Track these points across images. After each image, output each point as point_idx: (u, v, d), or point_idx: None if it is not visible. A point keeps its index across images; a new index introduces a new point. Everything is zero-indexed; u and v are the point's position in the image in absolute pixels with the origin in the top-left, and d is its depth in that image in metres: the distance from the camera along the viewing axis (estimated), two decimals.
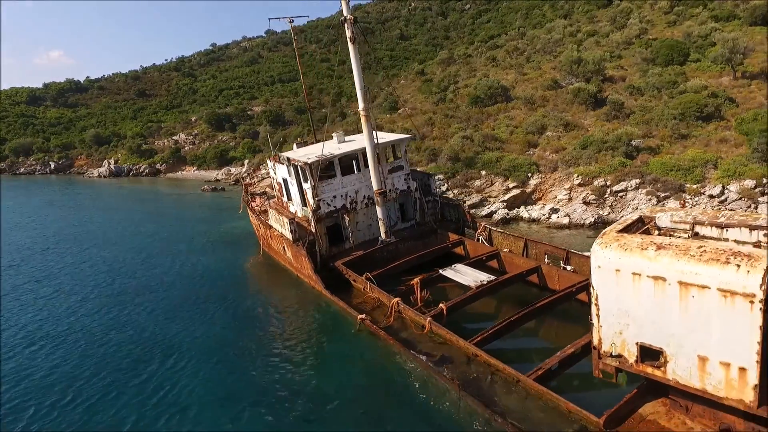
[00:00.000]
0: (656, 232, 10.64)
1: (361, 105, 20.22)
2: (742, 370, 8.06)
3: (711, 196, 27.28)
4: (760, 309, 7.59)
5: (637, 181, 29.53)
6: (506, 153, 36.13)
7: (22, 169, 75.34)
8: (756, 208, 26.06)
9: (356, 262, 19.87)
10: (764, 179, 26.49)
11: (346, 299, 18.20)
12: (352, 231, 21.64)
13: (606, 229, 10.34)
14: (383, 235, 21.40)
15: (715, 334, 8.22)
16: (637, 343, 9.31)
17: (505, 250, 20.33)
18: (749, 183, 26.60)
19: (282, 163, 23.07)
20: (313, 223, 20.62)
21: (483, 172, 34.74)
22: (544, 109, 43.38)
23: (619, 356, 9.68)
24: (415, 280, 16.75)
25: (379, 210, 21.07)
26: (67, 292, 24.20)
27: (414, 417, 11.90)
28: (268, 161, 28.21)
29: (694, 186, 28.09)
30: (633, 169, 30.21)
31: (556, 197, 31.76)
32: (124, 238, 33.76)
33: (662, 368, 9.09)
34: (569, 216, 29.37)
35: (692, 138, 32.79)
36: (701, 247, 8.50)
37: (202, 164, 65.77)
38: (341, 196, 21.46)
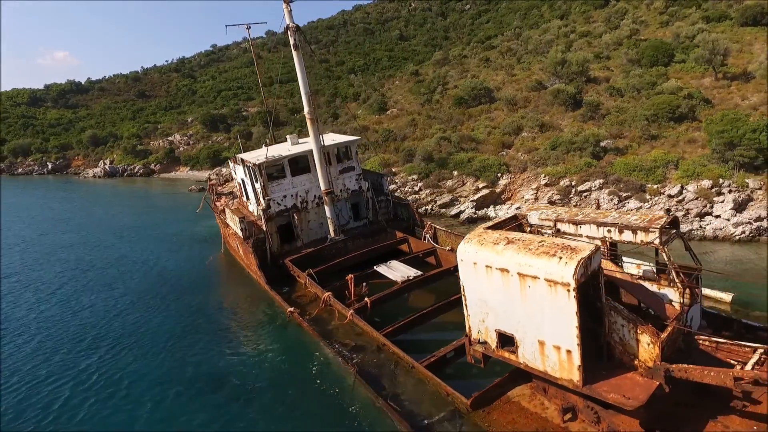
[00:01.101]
0: (528, 228, 11.57)
1: (306, 109, 21.28)
2: (569, 352, 9.00)
3: (670, 196, 28.00)
4: (575, 297, 8.51)
5: (601, 181, 30.29)
6: (480, 154, 37.02)
7: (20, 170, 77.62)
8: (712, 207, 26.66)
9: (304, 259, 20.90)
10: (720, 179, 27.11)
11: (290, 294, 19.25)
12: (302, 229, 22.69)
13: (478, 226, 11.30)
14: (332, 234, 22.41)
15: (547, 320, 9.17)
16: (495, 330, 10.26)
17: (447, 248, 21.23)
18: (706, 183, 27.25)
19: (239, 164, 24.20)
20: (263, 222, 21.68)
21: (455, 173, 35.65)
22: (524, 110, 44.21)
23: (485, 343, 10.63)
24: (350, 276, 17.73)
25: (327, 209, 22.09)
26: (36, 286, 25.59)
27: (315, 398, 13.18)
28: (230, 162, 29.37)
29: (655, 186, 28.76)
30: (597, 170, 30.99)
31: (523, 197, 32.56)
32: (99, 235, 35.35)
33: (515, 353, 10.02)
34: None
35: (662, 139, 33.47)
36: (542, 242, 9.46)
37: (195, 164, 67.27)
38: (292, 195, 22.50)
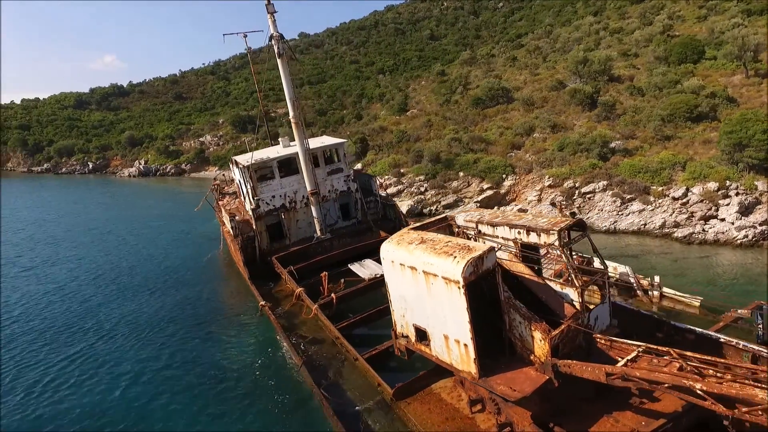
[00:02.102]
0: (456, 229, 12.23)
1: (291, 113, 22.42)
2: (466, 346, 9.66)
3: (674, 198, 27.62)
4: (464, 293, 9.19)
5: (605, 182, 30.14)
6: (488, 155, 37.28)
7: (63, 169, 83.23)
8: (717, 210, 26.12)
9: (291, 256, 22.05)
10: (727, 181, 26.49)
11: (273, 289, 20.46)
12: (291, 228, 23.87)
13: (407, 227, 12.08)
14: (318, 232, 23.47)
15: (448, 315, 9.87)
16: (413, 325, 10.99)
17: None
18: (712, 185, 26.71)
19: (236, 166, 25.67)
20: (252, 221, 23.00)
21: (461, 174, 36.10)
22: (540, 111, 44.01)
23: (406, 336, 11.37)
24: (324, 273, 18.72)
25: (313, 209, 23.18)
26: (54, 279, 28.09)
27: (263, 386, 15.00)
28: (230, 164, 30.95)
29: (660, 188, 28.38)
30: (602, 171, 30.79)
31: (527, 198, 32.70)
32: (119, 231, 38.24)
33: (429, 346, 10.73)
34: None
35: (676, 140, 32.84)
36: (448, 242, 10.16)
37: (224, 164, 70.09)
38: (280, 196, 23.73)
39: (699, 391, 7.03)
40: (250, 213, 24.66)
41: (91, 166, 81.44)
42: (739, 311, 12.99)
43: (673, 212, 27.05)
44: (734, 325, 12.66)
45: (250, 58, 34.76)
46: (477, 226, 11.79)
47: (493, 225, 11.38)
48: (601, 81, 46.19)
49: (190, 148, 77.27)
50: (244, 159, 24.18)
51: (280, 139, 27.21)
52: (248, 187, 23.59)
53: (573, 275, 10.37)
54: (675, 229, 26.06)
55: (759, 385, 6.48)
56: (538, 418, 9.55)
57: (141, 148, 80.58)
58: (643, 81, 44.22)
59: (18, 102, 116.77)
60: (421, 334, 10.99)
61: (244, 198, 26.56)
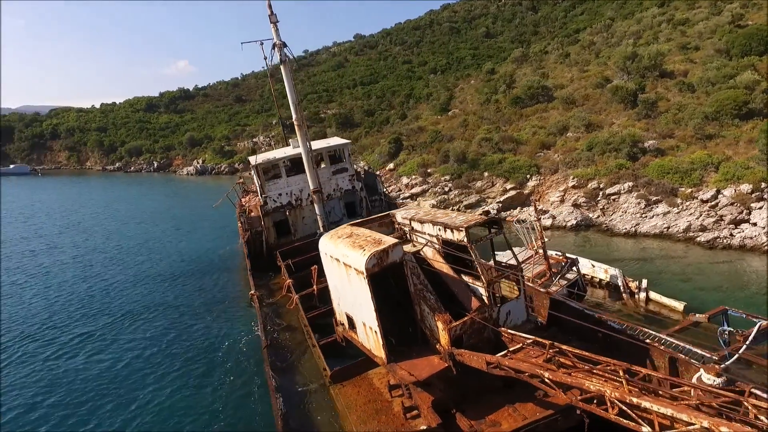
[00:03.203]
0: (396, 225, 12.89)
1: (294, 116, 23.69)
2: (376, 332, 10.37)
3: (703, 201, 26.36)
4: (368, 283, 9.93)
5: (630, 184, 29.21)
6: (517, 155, 36.95)
7: (132, 168, 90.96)
8: (749, 213, 24.70)
9: (293, 251, 23.37)
10: (763, 183, 24.91)
11: (272, 280, 21.92)
12: (297, 224, 25.21)
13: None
14: (321, 229, 24.64)
15: (362, 304, 10.62)
16: (345, 313, 11.81)
17: None
18: (745, 187, 25.24)
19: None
20: (261, 217, 24.60)
21: (485, 174, 36.14)
22: (578, 109, 42.86)
23: (342, 324, 12.20)
24: (314, 266, 19.81)
25: (316, 207, 24.38)
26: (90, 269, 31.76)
27: (229, 365, 16.81)
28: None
29: (689, 190, 27.16)
30: (628, 172, 29.84)
31: (549, 199, 32.29)
32: (162, 224, 42.47)
33: (356, 333, 11.50)
34: (554, 218, 29.94)
35: (718, 138, 31.13)
36: (368, 236, 10.90)
37: None
38: (287, 194, 25.15)
39: (547, 380, 7.39)
40: (260, 209, 26.36)
41: (155, 165, 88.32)
42: (697, 316, 12.65)
43: (701, 215, 25.80)
44: (693, 329, 12.36)
45: (268, 65, 36.48)
46: (410, 223, 12.42)
47: (421, 222, 11.99)
48: (651, 77, 44.17)
49: (244, 148, 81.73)
50: (255, 159, 25.91)
51: (290, 140, 28.74)
52: (257, 185, 25.27)
53: (480, 271, 10.76)
54: (700, 233, 24.86)
55: (591, 376, 6.78)
56: (441, 403, 10.07)
57: (200, 149, 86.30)
58: (698, 75, 41.80)
59: (97, 106, 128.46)
60: (351, 322, 11.79)
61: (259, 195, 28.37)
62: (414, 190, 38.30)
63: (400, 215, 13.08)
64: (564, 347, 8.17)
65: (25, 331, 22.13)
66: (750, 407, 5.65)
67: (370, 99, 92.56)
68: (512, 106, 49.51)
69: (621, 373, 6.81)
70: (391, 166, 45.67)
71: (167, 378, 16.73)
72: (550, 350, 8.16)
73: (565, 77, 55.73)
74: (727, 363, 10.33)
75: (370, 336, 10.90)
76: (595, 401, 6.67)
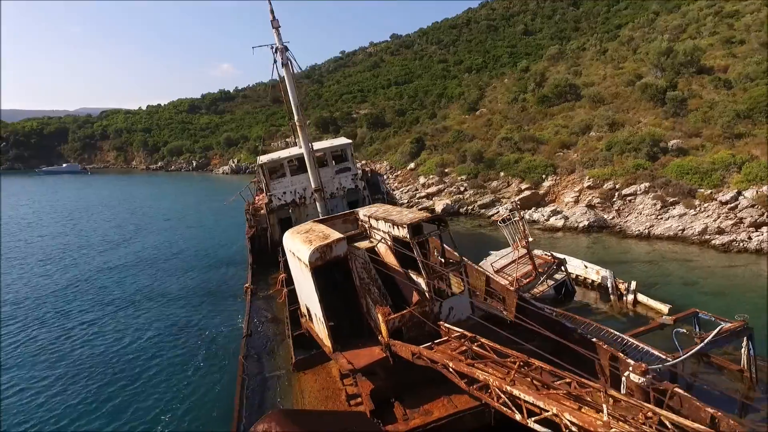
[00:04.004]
0: (359, 223, 13.33)
1: (295, 117, 24.42)
2: (322, 322, 10.88)
3: (722, 203, 25.40)
4: (311, 275, 10.47)
5: (647, 184, 28.42)
6: (536, 155, 36.51)
7: (173, 167, 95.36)
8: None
9: None
10: None
11: (272, 275, 22.85)
12: (297, 221, 25.98)
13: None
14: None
15: (310, 295, 11.16)
16: (305, 305, 12.37)
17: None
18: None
19: None
20: (266, 214, 25.56)
21: (501, 174, 35.96)
22: (605, 108, 41.86)
23: (305, 315, 12.76)
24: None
25: (318, 205, 25.07)
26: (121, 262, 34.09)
27: (217, 350, 18.24)
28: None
29: (708, 191, 26.21)
30: (645, 173, 29.05)
31: (564, 200, 31.86)
32: (187, 220, 44.79)
33: (312, 324, 12.04)
34: (566, 219, 29.56)
35: (748, 137, 29.80)
36: (320, 232, 11.42)
37: None
38: (291, 192, 25.99)
39: (451, 370, 7.70)
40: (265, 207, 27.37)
41: (194, 164, 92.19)
42: (664, 318, 12.43)
43: (719, 217, 24.87)
44: (659, 330, 12.19)
45: (276, 68, 37.44)
46: (369, 220, 12.84)
47: (377, 219, 12.39)
48: (686, 73, 42.54)
49: (278, 148, 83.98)
50: (261, 158, 26.95)
51: (296, 140, 29.60)
52: (263, 183, 26.28)
53: (421, 266, 11.06)
54: (716, 236, 23.97)
55: (488, 367, 7.07)
56: (381, 392, 10.46)
57: (236, 148, 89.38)
58: (735, 72, 39.96)
59: (144, 108, 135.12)
60: (309, 313, 12.36)
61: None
62: (430, 190, 38.54)
63: (362, 212, 13.53)
64: (483, 340, 8.43)
65: (37, 314, 24.41)
66: (647, 411, 5.74)
67: (402, 99, 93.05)
68: (539, 105, 48.81)
69: (516, 365, 7.05)
70: (412, 165, 46.00)
71: (153, 361, 18.16)
72: (466, 342, 8.44)
73: (598, 74, 54.33)
74: (669, 363, 10.21)
75: (320, 327, 11.43)
76: (486, 391, 6.94)
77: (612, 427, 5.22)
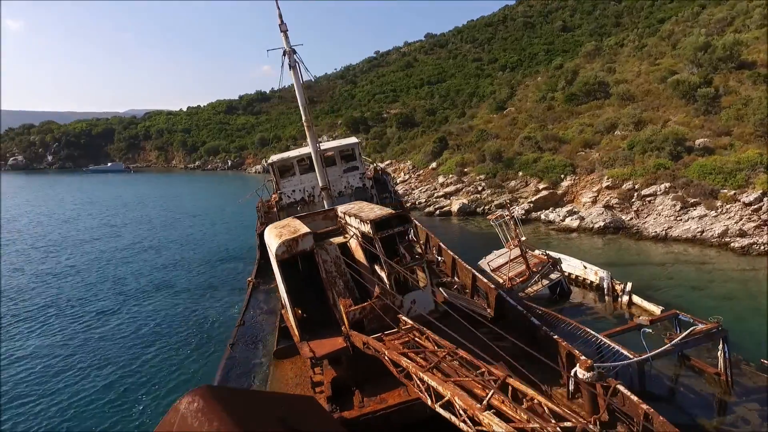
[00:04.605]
0: (338, 219, 13.76)
1: (303, 117, 25.08)
2: (290, 312, 11.37)
3: (746, 204, 24.46)
4: (278, 267, 10.99)
5: (667, 185, 27.62)
6: (557, 154, 35.98)
7: (209, 166, 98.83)
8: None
9: None
10: None
11: None
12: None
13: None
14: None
15: (280, 286, 11.66)
16: (282, 296, 12.88)
17: (421, 241, 23.14)
18: None
19: None
20: (276, 211, 26.39)
21: (520, 173, 35.67)
22: (634, 106, 40.76)
23: (284, 306, 13.28)
24: None
25: (325, 203, 25.66)
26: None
27: (212, 336, 19.62)
28: None
29: (731, 192, 25.28)
30: (666, 173, 28.24)
31: (582, 200, 31.35)
32: (211, 215, 47.01)
33: (285, 313, 12.56)
34: (581, 219, 29.12)
35: None
36: (295, 227, 11.94)
37: None
38: (300, 190, 26.69)
39: (386, 359, 8.03)
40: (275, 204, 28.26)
41: (229, 163, 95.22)
42: (641, 319, 12.25)
43: (740, 219, 23.95)
44: (636, 331, 12.04)
45: (293, 74, 38.18)
46: (345, 216, 13.26)
47: (350, 215, 12.81)
48: (725, 69, 40.82)
49: None
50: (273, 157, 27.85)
51: (322, 140, 30.41)
52: (273, 181, 27.16)
53: (382, 261, 11.35)
54: (737, 239, 23.09)
55: (418, 356, 7.40)
56: (342, 380, 10.87)
57: (269, 148, 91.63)
58: None
59: (185, 109, 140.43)
60: (283, 304, 12.89)
61: None
62: (447, 189, 38.57)
63: (340, 209, 13.97)
64: (428, 332, 8.70)
65: (56, 301, 26.42)
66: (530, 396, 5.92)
67: (434, 98, 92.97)
68: (566, 103, 47.92)
69: (442, 355, 7.32)
70: (433, 165, 46.11)
71: (152, 346, 19.55)
72: (412, 334, 8.73)
73: (633, 71, 52.73)
74: (623, 363, 10.14)
75: (291, 316, 11.94)
76: (411, 378, 7.24)
77: (491, 408, 5.49)
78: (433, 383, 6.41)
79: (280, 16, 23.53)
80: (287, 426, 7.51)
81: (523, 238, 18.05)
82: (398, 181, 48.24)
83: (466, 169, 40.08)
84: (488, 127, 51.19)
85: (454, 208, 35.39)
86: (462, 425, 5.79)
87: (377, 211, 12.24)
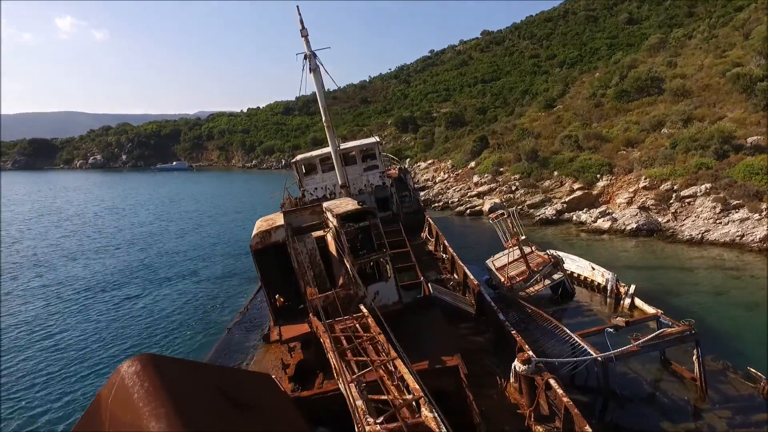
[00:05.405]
0: (323, 213, 14.40)
1: (324, 118, 25.97)
2: (274, 299, 12.18)
3: None
4: (253, 257, 11.84)
5: (708, 185, 26.24)
6: (597, 153, 34.89)
7: (264, 165, 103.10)
8: None
9: None
10: None
11: None
12: None
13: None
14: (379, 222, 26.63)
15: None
16: None
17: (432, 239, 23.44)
18: None
19: None
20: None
21: (555, 173, 34.98)
22: (687, 101, 38.72)
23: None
24: None
25: None
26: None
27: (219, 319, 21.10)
28: None
29: None
30: (708, 173, 26.80)
31: (617, 201, 30.36)
32: (249, 209, 49.53)
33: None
34: (613, 221, 28.26)
35: None
36: (274, 220, 12.77)
37: None
38: (321, 188, 27.64)
39: (322, 341, 8.66)
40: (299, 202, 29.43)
41: (283, 162, 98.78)
42: (617, 319, 11.98)
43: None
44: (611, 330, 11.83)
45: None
46: (326, 211, 13.94)
47: (327, 210, 13.50)
48: None
49: None
50: (297, 156, 29.01)
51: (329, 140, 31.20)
52: (297, 179, 28.33)
53: (345, 254, 11.87)
54: None
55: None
56: (307, 363, 11.55)
57: (321, 147, 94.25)
58: None
59: (245, 111, 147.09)
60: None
61: None
62: (481, 189, 38.34)
63: (325, 204, 14.67)
64: (370, 321, 9.21)
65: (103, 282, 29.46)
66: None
67: (485, 97, 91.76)
68: (616, 100, 46.08)
69: (365, 339, 7.86)
70: (472, 164, 45.87)
71: (162, 323, 21.84)
72: (355, 321, 9.28)
73: (695, 65, 49.78)
74: (573, 360, 10.06)
75: (265, 302, 12.80)
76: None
77: (350, 383, 6.05)
78: (333, 361, 6.96)
79: (302, 21, 24.62)
80: (224, 395, 8.29)
81: (523, 237, 17.94)
82: (437, 181, 48.38)
83: (502, 169, 39.64)
84: (532, 125, 50.14)
85: (486, 207, 35.15)
86: (344, 391, 6.37)
87: (349, 206, 12.86)
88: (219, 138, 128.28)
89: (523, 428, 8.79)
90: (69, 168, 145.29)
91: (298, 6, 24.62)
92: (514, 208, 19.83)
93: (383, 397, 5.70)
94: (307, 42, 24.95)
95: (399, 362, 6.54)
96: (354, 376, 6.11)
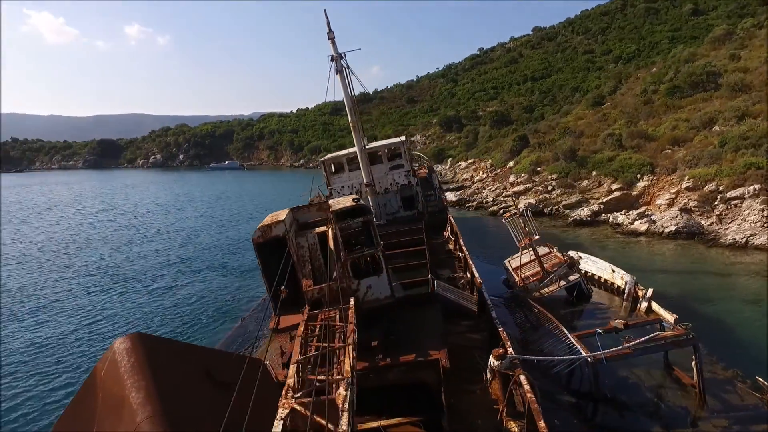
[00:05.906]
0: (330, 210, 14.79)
1: (350, 118, 26.40)
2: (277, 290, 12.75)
3: None
4: (255, 250, 12.45)
5: (757, 186, 24.83)
6: (640, 152, 33.60)
7: (311, 164, 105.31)
8: None
9: None
10: None
11: None
12: None
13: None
14: (374, 218, 27.01)
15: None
16: None
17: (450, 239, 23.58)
18: None
19: None
20: None
21: (593, 173, 34.03)
22: (745, 97, 36.57)
23: None
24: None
25: (369, 199, 26.79)
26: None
27: (234, 309, 22.00)
28: None
29: None
30: (757, 173, 25.36)
31: (658, 203, 29.22)
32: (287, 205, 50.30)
33: None
34: (651, 223, 27.26)
35: None
36: (279, 215, 13.36)
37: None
38: (348, 186, 28.12)
39: (301, 330, 9.09)
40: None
41: None
42: (616, 322, 11.66)
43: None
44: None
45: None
46: (330, 207, 14.38)
47: (326, 209, 13.95)
48: None
49: None
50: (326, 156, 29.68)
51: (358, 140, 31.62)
52: (324, 178, 28.99)
53: (336, 249, 12.20)
54: None
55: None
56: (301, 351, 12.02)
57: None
58: None
59: (294, 111, 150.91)
60: None
61: None
62: (516, 189, 37.71)
63: (332, 201, 15.12)
64: (351, 312, 9.61)
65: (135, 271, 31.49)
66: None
67: (533, 95, 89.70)
68: (668, 96, 44.04)
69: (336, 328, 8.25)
70: (511, 164, 45.17)
71: (185, 310, 23.28)
72: (334, 312, 9.68)
73: (761, 58, 46.75)
74: (565, 361, 9.91)
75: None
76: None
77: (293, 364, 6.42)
78: (297, 347, 7.39)
79: (329, 25, 25.26)
80: (211, 377, 8.91)
81: (536, 237, 17.69)
82: (475, 180, 47.94)
83: (539, 168, 38.83)
84: (577, 123, 48.72)
85: (519, 207, 34.60)
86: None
87: (346, 203, 13.25)
88: (269, 138, 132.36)
89: (496, 423, 8.86)
90: (132, 167, 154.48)
91: (325, 10, 25.32)
92: (526, 208, 19.54)
93: (321, 378, 6.11)
94: (334, 44, 25.59)
95: (348, 349, 6.89)
96: (298, 359, 6.51)
